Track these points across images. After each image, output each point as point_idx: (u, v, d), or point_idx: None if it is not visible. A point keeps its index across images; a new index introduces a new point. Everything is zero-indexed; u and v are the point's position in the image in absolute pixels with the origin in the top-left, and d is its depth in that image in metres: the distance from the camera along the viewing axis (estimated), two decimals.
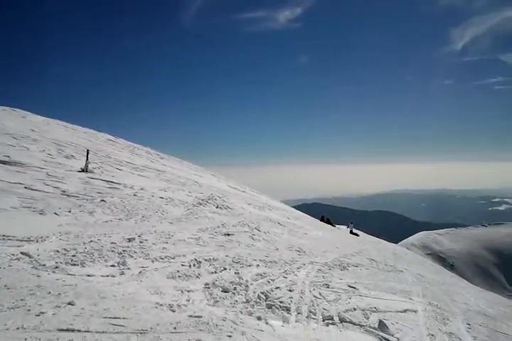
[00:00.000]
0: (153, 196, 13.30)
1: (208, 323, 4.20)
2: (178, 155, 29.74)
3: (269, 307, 5.25)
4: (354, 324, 5.15)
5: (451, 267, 36.21)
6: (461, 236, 45.31)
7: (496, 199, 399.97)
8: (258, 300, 5.48)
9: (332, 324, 5.06)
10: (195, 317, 4.35)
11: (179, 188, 16.58)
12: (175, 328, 3.92)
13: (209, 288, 5.69)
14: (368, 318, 5.44)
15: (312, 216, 27.84)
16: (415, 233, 46.63)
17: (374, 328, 5.07)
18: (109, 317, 3.92)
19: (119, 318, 3.93)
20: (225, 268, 6.81)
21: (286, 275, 7.10)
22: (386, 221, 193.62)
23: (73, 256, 6.19)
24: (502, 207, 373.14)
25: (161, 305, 4.59)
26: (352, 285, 7.33)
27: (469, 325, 6.93)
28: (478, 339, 6.08)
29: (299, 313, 5.25)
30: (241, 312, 4.91)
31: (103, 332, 3.57)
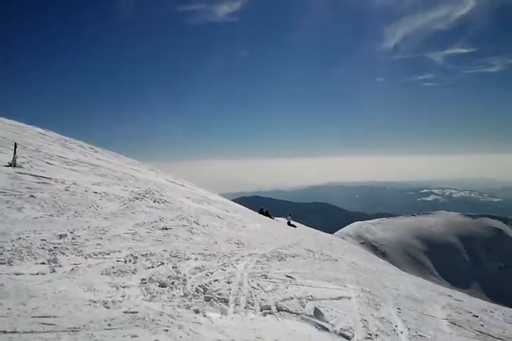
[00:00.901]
0: (86, 191, 12.82)
1: (144, 318, 4.14)
2: (114, 149, 28.81)
3: (208, 300, 5.25)
4: (291, 312, 5.28)
5: (383, 255, 37.93)
6: (392, 225, 47.53)
7: (424, 191, 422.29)
8: (196, 293, 5.47)
9: (269, 313, 5.15)
10: (131, 312, 4.27)
11: (114, 183, 16.10)
12: (109, 325, 3.83)
13: (145, 283, 5.59)
14: (304, 306, 5.59)
15: (251, 209, 28.06)
16: (350, 223, 48.26)
17: (310, 316, 5.23)
18: (39, 317, 3.76)
19: (49, 317, 3.78)
20: (162, 263, 6.71)
21: (224, 268, 7.13)
22: (323, 212, 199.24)
23: (0, 254, 5.86)
24: (430, 198, 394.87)
25: (94, 302, 4.46)
26: (289, 275, 7.48)
27: (399, 309, 7.29)
28: (407, 322, 6.40)
29: (237, 304, 5.29)
30: (178, 306, 4.88)
31: (32, 332, 3.41)
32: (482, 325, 7.81)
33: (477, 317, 8.80)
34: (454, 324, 7.19)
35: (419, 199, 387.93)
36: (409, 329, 5.97)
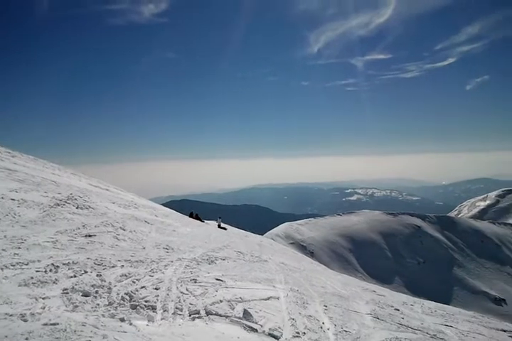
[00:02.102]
0: (2, 198, 12.00)
1: (66, 330, 3.93)
2: (33, 153, 27.17)
3: (134, 307, 5.10)
4: (220, 315, 5.26)
5: (311, 254, 38.91)
6: (319, 225, 48.92)
7: (348, 191, 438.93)
8: (122, 301, 5.28)
9: (198, 318, 5.09)
10: (51, 324, 4.04)
11: (33, 188, 15.21)
12: (26, 339, 3.60)
13: (67, 293, 5.31)
14: (233, 309, 5.59)
15: (181, 213, 27.69)
16: (279, 224, 49.02)
17: (239, 318, 5.24)
18: None
19: None
20: (85, 272, 6.42)
21: (152, 274, 6.96)
22: (253, 214, 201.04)
23: None
24: (354, 197, 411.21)
25: (11, 315, 4.17)
26: (219, 278, 7.46)
27: (326, 306, 7.51)
28: (333, 318, 6.60)
29: (165, 311, 5.18)
30: (103, 315, 4.69)
31: None
32: (403, 318, 8.24)
33: (398, 310, 9.27)
34: (377, 318, 7.53)
35: (343, 199, 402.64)
36: (335, 325, 6.17)
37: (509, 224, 63.87)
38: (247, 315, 5.33)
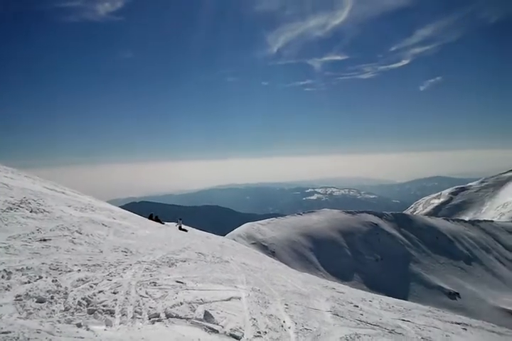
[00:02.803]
0: None
1: (18, 338, 3.80)
2: None
3: (91, 312, 4.97)
4: (180, 318, 5.20)
5: (272, 254, 39.12)
6: (280, 225, 49.26)
7: (309, 190, 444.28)
8: (79, 306, 5.14)
9: (158, 321, 5.02)
10: (3, 333, 3.88)
11: None
12: None
13: (21, 300, 5.12)
14: (194, 311, 5.55)
15: (140, 215, 27.23)
16: (241, 225, 49.05)
17: (199, 319, 5.20)
18: None
19: None
20: (40, 277, 6.21)
21: (110, 278, 6.81)
22: (214, 215, 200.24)
23: None
24: (314, 197, 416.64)
25: None
26: (179, 281, 7.39)
27: (287, 305, 7.57)
28: (294, 317, 6.67)
29: (123, 315, 5.08)
30: (59, 321, 4.55)
31: None
32: (362, 314, 8.41)
33: (357, 307, 9.47)
34: (337, 315, 7.66)
35: (304, 199, 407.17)
36: (296, 323, 6.23)
37: (462, 220, 66.36)
38: (207, 316, 5.30)
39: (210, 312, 5.47)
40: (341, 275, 41.16)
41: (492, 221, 66.27)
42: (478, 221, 65.38)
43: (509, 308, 41.23)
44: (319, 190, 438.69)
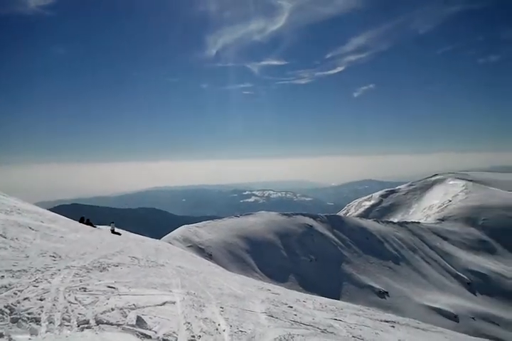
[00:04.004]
0: None
1: None
2: None
3: (15, 321, 4.70)
4: (111, 324, 5.04)
5: (209, 256, 38.91)
6: (217, 227, 49.12)
7: (246, 193, 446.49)
8: (1, 315, 4.84)
9: (88, 328, 4.84)
10: None
11: None
12: None
13: None
14: (126, 316, 5.39)
15: (71, 218, 26.14)
16: (177, 227, 48.42)
17: (132, 325, 5.06)
18: None
19: None
20: None
21: (37, 284, 6.48)
22: (150, 218, 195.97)
23: None
24: (251, 199, 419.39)
25: None
26: (111, 286, 7.17)
27: (222, 308, 7.55)
28: (229, 319, 6.65)
29: (50, 322, 4.85)
30: None
31: None
32: (296, 315, 8.55)
33: (292, 307, 9.61)
34: (272, 316, 7.73)
35: (241, 201, 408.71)
36: (231, 326, 6.22)
37: (391, 222, 69.36)
38: (140, 322, 5.17)
39: (142, 317, 5.34)
40: (277, 276, 41.68)
41: (419, 222, 69.79)
42: (406, 222, 68.65)
43: (433, 305, 43.58)
44: (256, 193, 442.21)
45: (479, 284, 52.42)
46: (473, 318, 42.51)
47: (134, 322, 5.13)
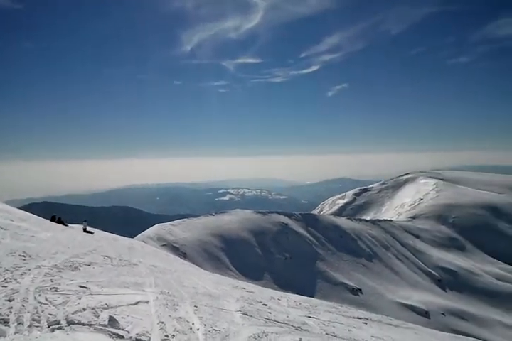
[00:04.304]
0: None
1: None
2: None
3: None
4: (83, 324, 4.96)
5: (184, 255, 38.63)
6: (192, 225, 48.83)
7: (221, 191, 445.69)
8: None
9: (59, 328, 4.74)
10: None
11: None
12: None
13: None
14: (98, 316, 5.31)
15: (42, 216, 25.60)
16: (151, 226, 47.94)
17: (104, 325, 4.99)
18: None
19: None
20: None
21: (6, 284, 6.34)
22: (123, 216, 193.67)
23: None
24: (226, 197, 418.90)
25: None
26: (83, 285, 7.06)
27: (196, 307, 7.51)
28: (203, 318, 6.63)
29: (19, 323, 4.74)
30: None
31: None
32: (270, 313, 8.59)
33: (266, 305, 9.65)
34: (246, 314, 7.74)
35: (216, 199, 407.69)
36: (205, 325, 6.20)
37: (364, 219, 70.28)
38: (112, 321, 5.10)
39: (115, 317, 5.27)
40: (252, 274, 41.73)
41: (391, 220, 70.92)
42: (379, 220, 69.65)
43: (405, 302, 44.35)
44: (232, 191, 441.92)
45: (449, 281, 53.62)
46: (443, 314, 43.44)
47: (107, 322, 5.06)
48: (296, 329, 7.43)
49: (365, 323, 10.78)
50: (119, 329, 4.97)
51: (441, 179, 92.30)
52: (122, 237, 28.11)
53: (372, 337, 8.50)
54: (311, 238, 54.40)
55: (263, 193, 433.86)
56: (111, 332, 4.83)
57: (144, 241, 36.50)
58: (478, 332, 39.21)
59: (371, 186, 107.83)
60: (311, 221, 59.27)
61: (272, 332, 6.55)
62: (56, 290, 6.42)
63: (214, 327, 6.14)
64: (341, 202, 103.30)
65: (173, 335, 5.30)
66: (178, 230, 46.39)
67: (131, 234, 40.02)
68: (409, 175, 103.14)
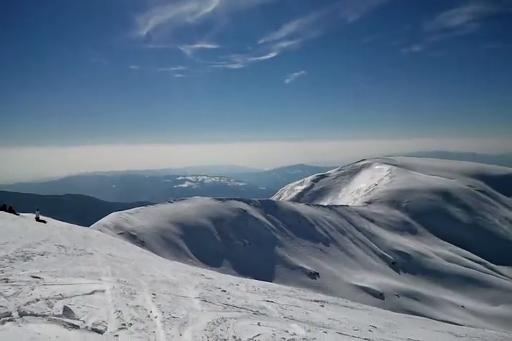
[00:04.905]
0: None
1: None
2: None
3: None
4: (36, 315, 4.80)
5: (142, 243, 38.23)
6: (150, 213, 48.30)
7: (180, 178, 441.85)
8: None
9: (10, 320, 4.57)
10: None
11: None
12: None
13: None
14: (51, 307, 5.16)
15: None
16: (108, 214, 47.06)
17: (58, 316, 4.85)
18: None
19: None
20: None
21: None
22: (78, 204, 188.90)
23: None
24: (185, 185, 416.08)
25: None
26: (36, 276, 6.85)
27: (154, 294, 7.45)
28: (161, 306, 6.58)
29: None
30: None
31: None
32: (229, 298, 8.63)
33: (225, 291, 9.70)
34: (205, 301, 7.75)
35: (175, 186, 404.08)
36: (163, 312, 6.15)
37: (321, 205, 71.61)
38: (67, 312, 4.97)
39: (69, 307, 5.14)
40: (211, 261, 41.84)
41: (347, 205, 72.57)
42: (336, 206, 71.15)
43: (360, 284, 45.78)
44: (190, 178, 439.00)
45: (403, 263, 55.67)
46: (397, 295, 45.17)
47: (61, 313, 4.93)
48: (255, 313, 7.50)
49: (322, 306, 11.04)
50: (74, 319, 4.85)
51: (395, 165, 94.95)
52: (77, 226, 27.47)
53: (329, 319, 8.71)
54: (270, 224, 55.01)
55: (222, 180, 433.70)
56: (66, 322, 4.70)
57: (100, 230, 35.83)
58: (430, 312, 41.05)
59: (328, 172, 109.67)
60: (269, 207, 59.83)
61: (230, 318, 6.59)
62: (7, 282, 6.19)
63: (172, 315, 6.11)
64: (299, 188, 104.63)
65: (131, 324, 5.23)
66: (136, 218, 45.78)
67: (87, 223, 39.18)
68: (365, 161, 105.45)
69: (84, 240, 16.60)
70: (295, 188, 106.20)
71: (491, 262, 59.33)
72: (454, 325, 15.70)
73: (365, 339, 6.95)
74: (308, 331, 6.46)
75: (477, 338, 10.53)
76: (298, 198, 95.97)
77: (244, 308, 7.80)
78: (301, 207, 64.22)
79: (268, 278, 37.24)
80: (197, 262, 40.12)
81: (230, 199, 58.99)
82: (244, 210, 55.50)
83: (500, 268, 58.59)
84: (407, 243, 61.32)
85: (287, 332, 6.10)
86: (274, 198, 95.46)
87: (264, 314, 7.66)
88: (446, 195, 77.13)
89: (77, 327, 4.64)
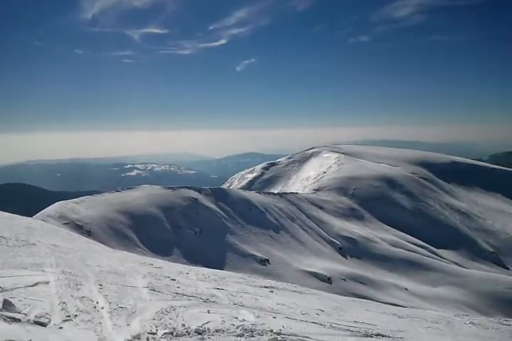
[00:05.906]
0: None
1: None
2: None
3: None
4: None
5: (88, 233, 37.13)
6: (96, 202, 46.94)
7: (128, 166, 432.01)
8: None
9: None
10: None
11: None
12: None
13: None
14: None
15: None
16: (52, 204, 45.35)
17: None
18: None
19: None
20: None
21: None
22: (20, 194, 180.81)
23: None
24: (133, 173, 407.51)
25: None
26: None
27: (101, 285, 7.30)
28: (108, 296, 6.47)
29: None
30: None
31: None
32: (178, 287, 8.60)
33: (175, 280, 9.65)
34: (154, 290, 7.69)
35: (123, 175, 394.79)
36: (110, 303, 6.05)
37: (272, 193, 72.26)
38: (7, 305, 4.77)
39: (10, 300, 4.94)
40: (161, 250, 41.34)
41: (297, 193, 73.60)
42: (285, 193, 71.95)
43: (309, 270, 46.78)
44: (139, 166, 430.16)
45: (349, 248, 57.31)
46: (344, 280, 46.51)
47: (1, 306, 4.73)
48: (205, 301, 7.52)
49: (272, 291, 11.21)
50: (15, 312, 4.67)
51: (343, 153, 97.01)
52: (19, 216, 26.36)
53: (278, 304, 8.86)
54: (221, 212, 54.96)
55: (172, 168, 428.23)
56: (6, 316, 4.52)
57: (43, 220, 34.50)
58: (375, 295, 42.59)
59: (279, 160, 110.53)
60: (220, 195, 59.71)
61: (180, 306, 6.57)
62: None
63: (120, 305, 6.02)
64: (250, 176, 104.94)
65: (76, 315, 5.11)
66: (82, 207, 44.39)
67: (29, 214, 37.63)
68: (314, 150, 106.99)
69: (27, 231, 15.96)
70: (246, 176, 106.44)
71: (433, 246, 62.19)
72: (398, 307, 16.42)
73: (313, 322, 7.13)
74: (258, 317, 6.55)
75: (418, 318, 11.06)
76: (249, 186, 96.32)
77: (194, 296, 7.80)
78: (252, 195, 64.56)
79: (219, 266, 37.32)
80: (146, 252, 39.56)
81: (181, 187, 58.30)
82: (195, 199, 55.09)
83: (441, 251, 61.54)
84: (354, 229, 63.11)
85: (237, 318, 6.16)
86: (225, 186, 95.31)
87: (214, 301, 7.70)
88: (390, 182, 79.78)
89: (18, 320, 4.48)
